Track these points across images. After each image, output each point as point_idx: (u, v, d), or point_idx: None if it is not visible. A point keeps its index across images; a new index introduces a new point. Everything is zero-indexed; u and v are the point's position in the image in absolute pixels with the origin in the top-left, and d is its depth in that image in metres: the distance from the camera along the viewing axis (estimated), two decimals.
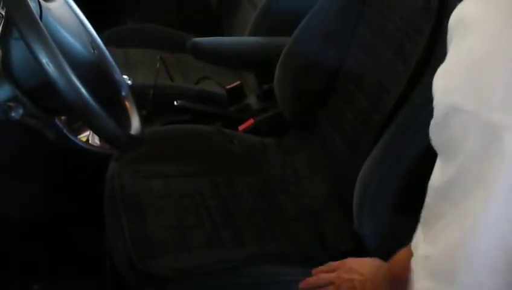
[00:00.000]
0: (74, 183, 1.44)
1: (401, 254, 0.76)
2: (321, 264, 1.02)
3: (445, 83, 0.54)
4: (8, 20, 0.92)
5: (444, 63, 0.55)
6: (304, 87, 1.41)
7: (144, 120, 1.16)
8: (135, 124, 1.11)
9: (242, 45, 1.78)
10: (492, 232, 0.51)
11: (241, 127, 1.58)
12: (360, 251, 1.10)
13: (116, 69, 1.18)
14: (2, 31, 0.94)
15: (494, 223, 0.51)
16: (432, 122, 0.56)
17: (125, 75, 1.22)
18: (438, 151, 0.57)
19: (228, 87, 1.69)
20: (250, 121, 1.59)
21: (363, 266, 0.93)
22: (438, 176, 0.56)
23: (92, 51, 1.06)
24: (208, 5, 2.32)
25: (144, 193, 1.25)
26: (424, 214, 0.59)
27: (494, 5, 0.52)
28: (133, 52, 2.01)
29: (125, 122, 1.11)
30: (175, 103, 1.65)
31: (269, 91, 1.55)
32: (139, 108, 1.17)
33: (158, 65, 1.77)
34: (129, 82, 1.22)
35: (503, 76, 0.49)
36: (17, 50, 0.92)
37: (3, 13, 0.93)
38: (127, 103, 1.16)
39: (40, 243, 1.43)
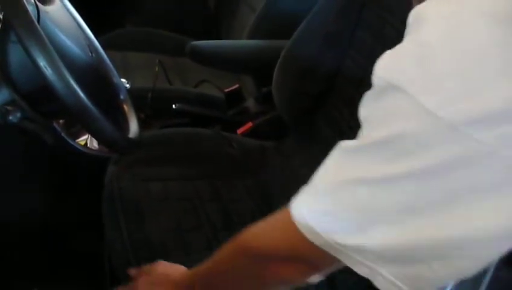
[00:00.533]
0: (73, 187, 1.44)
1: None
2: None
3: (389, 61, 0.55)
4: (6, 24, 0.92)
5: (392, 49, 0.56)
6: (302, 90, 1.41)
7: (143, 123, 1.16)
8: (133, 127, 1.11)
9: (240, 48, 1.78)
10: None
11: (239, 130, 1.58)
12: None
13: (114, 72, 1.18)
14: None
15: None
16: (368, 93, 0.57)
17: (123, 78, 1.23)
18: (363, 121, 0.57)
19: (227, 90, 1.69)
20: (249, 124, 1.59)
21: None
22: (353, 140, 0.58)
23: (90, 54, 1.06)
24: (207, 8, 2.33)
25: (142, 196, 1.25)
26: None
27: (453, 3, 0.52)
28: (132, 55, 2.01)
29: (124, 125, 1.11)
30: (173, 106, 1.65)
31: (268, 94, 1.55)
32: (138, 111, 1.17)
33: (157, 68, 1.77)
34: (127, 85, 1.22)
35: (450, 65, 0.49)
36: (14, 53, 0.92)
37: (1, 16, 0.93)
38: (125, 106, 1.16)
39: (39, 246, 1.42)
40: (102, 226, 1.20)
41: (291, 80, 1.43)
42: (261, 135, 1.57)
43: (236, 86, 1.70)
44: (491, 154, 0.47)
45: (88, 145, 1.43)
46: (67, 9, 1.13)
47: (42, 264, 1.42)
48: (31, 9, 0.86)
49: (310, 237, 0.59)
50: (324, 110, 1.40)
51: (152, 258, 1.10)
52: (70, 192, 1.44)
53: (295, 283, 0.72)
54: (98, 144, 1.42)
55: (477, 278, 0.86)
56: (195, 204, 1.26)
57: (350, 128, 1.26)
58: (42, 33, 0.83)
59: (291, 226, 0.62)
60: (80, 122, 0.93)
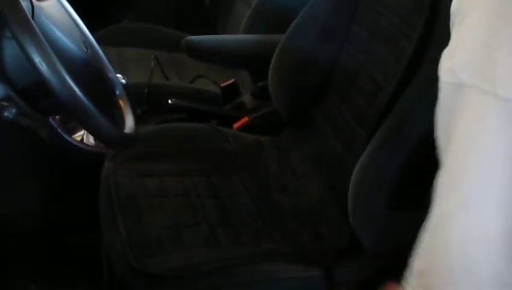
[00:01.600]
0: (69, 183, 1.44)
1: None
2: (317, 261, 1.03)
3: (450, 64, 0.55)
4: (0, 20, 0.92)
5: (448, 46, 0.56)
6: (298, 84, 1.41)
7: (139, 119, 1.16)
8: (130, 123, 1.11)
9: (236, 43, 1.78)
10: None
11: (235, 125, 1.58)
12: (355, 248, 1.10)
13: (109, 68, 1.18)
14: None
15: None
16: (438, 108, 0.56)
17: (119, 74, 1.22)
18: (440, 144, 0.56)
19: (222, 85, 1.69)
20: (245, 119, 1.59)
21: None
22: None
23: (85, 50, 1.06)
24: (202, 3, 2.32)
25: (139, 192, 1.25)
26: None
27: None
28: (128, 51, 2.01)
29: (120, 121, 1.11)
30: (170, 101, 1.65)
31: (264, 89, 1.55)
32: (134, 107, 1.17)
33: (152, 64, 1.77)
34: (123, 81, 1.22)
35: (503, 53, 0.50)
36: (9, 49, 0.92)
37: None
38: (121, 102, 1.16)
39: (36, 243, 1.42)
40: (99, 223, 1.20)
41: (287, 74, 1.43)
42: (258, 129, 1.56)
43: (233, 80, 1.70)
44: None
45: (84, 141, 1.42)
46: (62, 5, 1.12)
47: (39, 261, 1.42)
48: (25, 5, 0.86)
49: None
50: (320, 104, 1.40)
51: (149, 255, 1.10)
52: (66, 188, 1.44)
53: None
54: (94, 139, 1.42)
55: None
56: (193, 200, 1.26)
57: (346, 122, 1.27)
58: (37, 29, 0.83)
59: None
60: (75, 118, 0.93)
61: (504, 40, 0.51)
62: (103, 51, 1.18)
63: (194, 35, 1.72)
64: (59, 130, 1.08)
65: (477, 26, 0.53)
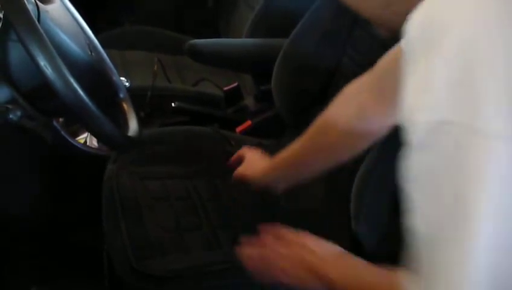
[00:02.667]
0: (72, 185, 1.44)
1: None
2: None
3: (426, 100, 0.50)
4: (6, 23, 0.93)
5: (415, 78, 0.51)
6: (301, 88, 1.42)
7: (142, 122, 1.16)
8: (133, 125, 1.11)
9: (239, 47, 1.79)
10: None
11: (238, 129, 1.58)
12: (357, 251, 1.11)
13: (113, 71, 1.18)
14: (0, 33, 0.94)
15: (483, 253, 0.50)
16: (407, 149, 0.53)
17: (123, 77, 1.23)
18: (414, 182, 0.54)
19: (225, 88, 1.70)
20: (248, 123, 1.60)
21: (321, 247, 0.84)
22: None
23: (90, 53, 1.07)
24: (206, 7, 2.33)
25: (141, 194, 1.25)
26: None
27: (469, 5, 0.48)
28: (131, 54, 2.02)
29: (123, 124, 1.12)
30: (173, 104, 1.65)
31: (266, 92, 1.55)
32: (137, 110, 1.18)
33: (156, 67, 1.77)
34: (127, 84, 1.22)
35: (492, 84, 0.46)
36: (15, 52, 0.92)
37: (1, 15, 0.94)
38: (124, 105, 1.16)
39: (38, 244, 1.43)
40: (101, 225, 1.21)
41: (290, 78, 1.44)
42: (260, 133, 1.57)
43: (235, 84, 1.70)
44: None
45: (87, 143, 1.43)
46: (67, 8, 1.13)
47: (41, 262, 1.42)
48: (31, 8, 0.86)
49: None
50: (323, 108, 1.40)
51: (151, 257, 1.11)
52: (69, 190, 1.44)
53: None
54: (98, 142, 1.43)
55: None
56: (194, 203, 1.27)
57: None
58: (42, 32, 0.83)
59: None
60: (79, 120, 0.94)
61: (489, 71, 0.47)
62: (107, 54, 1.19)
63: (197, 38, 1.73)
64: (63, 133, 1.08)
65: (455, 58, 0.48)
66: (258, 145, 1.48)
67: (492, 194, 0.48)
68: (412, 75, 0.52)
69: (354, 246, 1.13)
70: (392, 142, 1.05)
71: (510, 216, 0.48)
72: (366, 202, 1.07)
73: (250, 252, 0.88)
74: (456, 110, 0.47)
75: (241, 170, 1.20)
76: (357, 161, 1.12)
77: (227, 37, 2.08)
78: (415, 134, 0.52)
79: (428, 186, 0.53)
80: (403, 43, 0.54)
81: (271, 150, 1.47)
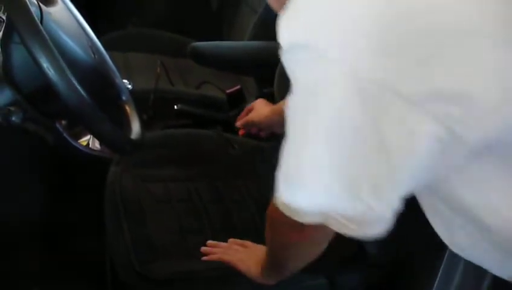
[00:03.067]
0: (74, 188, 1.44)
1: None
2: (321, 269, 1.02)
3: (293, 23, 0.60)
4: (9, 25, 0.92)
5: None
6: None
7: (144, 124, 1.16)
8: (135, 128, 1.11)
9: (242, 49, 1.78)
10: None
11: (241, 132, 1.58)
12: (359, 256, 1.10)
13: (116, 73, 1.18)
14: (2, 35, 0.94)
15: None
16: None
17: (125, 79, 1.23)
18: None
19: (228, 91, 1.69)
20: None
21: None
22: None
23: (93, 55, 1.07)
24: (208, 9, 2.33)
25: (144, 197, 1.25)
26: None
27: None
28: (134, 56, 2.01)
29: (126, 126, 1.11)
30: (175, 107, 1.65)
31: (269, 95, 1.55)
32: (140, 112, 1.18)
33: (158, 70, 1.77)
34: (129, 86, 1.22)
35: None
36: (18, 54, 0.92)
37: (4, 17, 0.94)
38: (127, 107, 1.16)
39: (40, 246, 1.42)
40: (103, 227, 1.20)
41: None
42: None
43: (238, 87, 1.70)
44: None
45: (90, 145, 1.43)
46: (70, 11, 1.13)
47: (43, 264, 1.42)
48: (34, 10, 0.86)
49: (280, 204, 0.72)
50: None
51: (154, 260, 1.10)
52: (72, 192, 1.44)
53: (315, 247, 0.84)
54: (100, 144, 1.43)
55: (480, 275, 0.87)
56: (197, 205, 1.26)
57: None
58: (45, 34, 0.83)
59: None
60: (82, 123, 0.93)
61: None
62: (110, 57, 1.19)
63: (199, 41, 1.73)
64: (65, 135, 1.08)
65: None
66: (260, 148, 1.48)
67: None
68: None
69: (356, 251, 1.13)
70: None
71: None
72: None
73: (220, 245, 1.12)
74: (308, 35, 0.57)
75: (248, 117, 1.37)
76: None
77: (230, 39, 2.07)
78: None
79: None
80: None
81: (272, 152, 1.47)
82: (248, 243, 1.12)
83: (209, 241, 1.13)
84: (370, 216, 0.64)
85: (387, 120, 0.55)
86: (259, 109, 1.37)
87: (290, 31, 0.59)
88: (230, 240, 1.14)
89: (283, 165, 0.69)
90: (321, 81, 0.56)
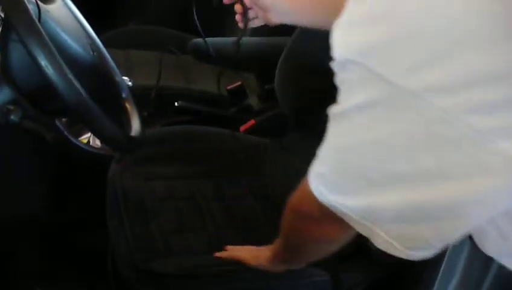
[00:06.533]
0: (75, 185, 1.44)
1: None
2: (324, 266, 1.02)
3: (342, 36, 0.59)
4: (7, 23, 0.92)
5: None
6: (305, 87, 1.41)
7: (145, 121, 1.16)
8: (136, 125, 1.11)
9: (243, 46, 1.78)
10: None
11: (242, 128, 1.58)
12: (362, 252, 1.10)
13: (116, 70, 1.18)
14: (0, 33, 0.94)
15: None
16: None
17: (125, 76, 1.22)
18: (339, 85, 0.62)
19: (229, 87, 1.69)
20: (252, 122, 1.59)
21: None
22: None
23: (92, 52, 1.06)
24: (209, 6, 2.32)
25: (145, 194, 1.25)
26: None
27: None
28: (134, 53, 2.01)
29: (126, 123, 1.11)
30: (176, 104, 1.64)
31: (270, 91, 1.55)
32: (140, 109, 1.17)
33: (159, 66, 1.77)
34: (129, 83, 1.22)
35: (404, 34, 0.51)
36: (16, 53, 0.92)
37: (2, 16, 0.93)
38: (127, 105, 1.15)
39: (42, 245, 1.42)
40: (105, 225, 1.20)
41: (293, 76, 1.43)
42: (264, 132, 1.56)
43: (239, 83, 1.70)
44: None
45: (90, 143, 1.43)
46: (69, 8, 1.12)
47: (45, 263, 1.42)
48: (32, 8, 0.85)
49: (320, 199, 0.65)
50: (327, 106, 1.39)
51: (156, 257, 1.10)
52: (72, 190, 1.44)
53: (334, 245, 0.83)
54: (101, 142, 1.42)
55: (480, 275, 0.86)
56: (199, 203, 1.26)
57: None
58: (43, 32, 0.82)
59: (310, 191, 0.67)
60: (82, 121, 0.93)
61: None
62: (109, 54, 1.18)
63: (200, 37, 1.72)
64: (65, 133, 1.08)
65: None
66: (262, 145, 1.48)
67: None
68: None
69: (359, 248, 1.13)
70: None
71: None
72: None
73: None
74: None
75: None
76: None
77: (232, 35, 2.07)
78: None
79: None
80: None
81: (274, 149, 1.46)
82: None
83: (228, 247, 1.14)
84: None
85: None
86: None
87: None
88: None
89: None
90: None
